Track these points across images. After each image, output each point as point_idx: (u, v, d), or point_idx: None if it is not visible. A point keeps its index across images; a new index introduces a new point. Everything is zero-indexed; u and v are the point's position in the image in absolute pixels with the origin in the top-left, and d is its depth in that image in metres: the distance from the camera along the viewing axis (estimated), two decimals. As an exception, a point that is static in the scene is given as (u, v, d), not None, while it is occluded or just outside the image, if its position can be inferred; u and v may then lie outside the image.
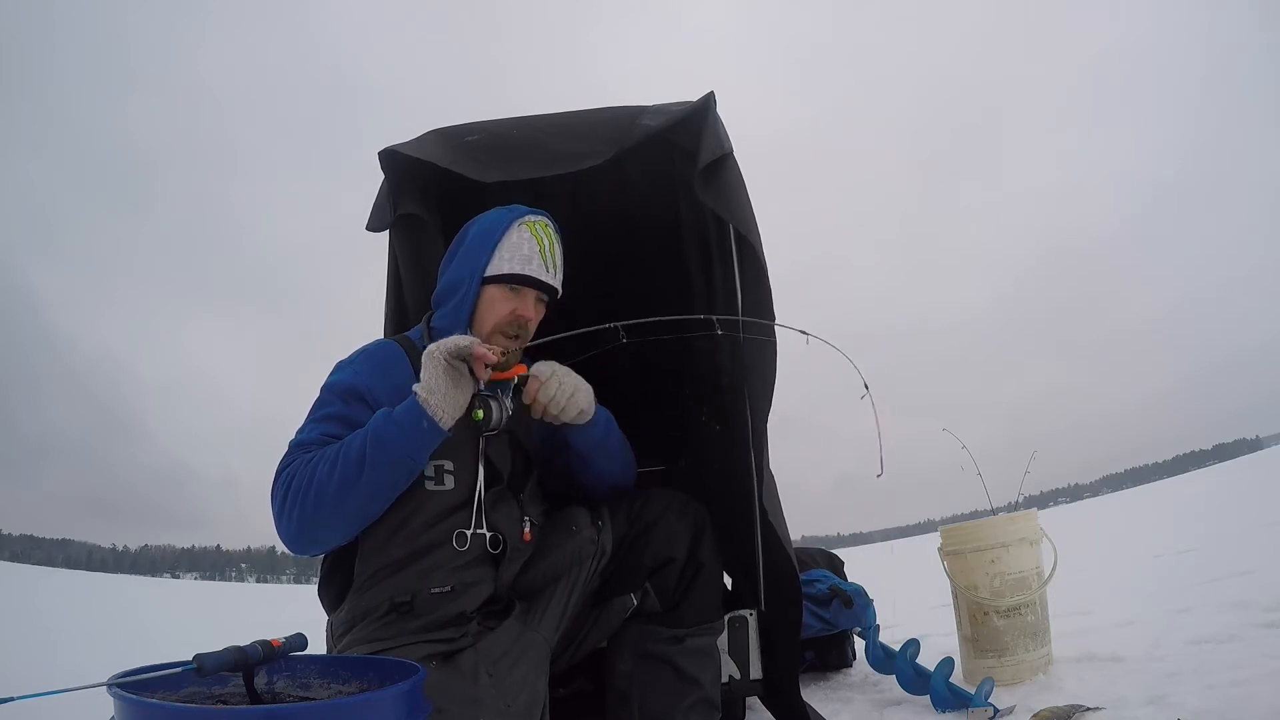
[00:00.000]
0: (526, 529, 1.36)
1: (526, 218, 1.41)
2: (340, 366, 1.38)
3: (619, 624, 1.40)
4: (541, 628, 1.34)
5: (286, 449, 1.26)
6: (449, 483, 1.31)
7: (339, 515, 1.19)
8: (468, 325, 1.37)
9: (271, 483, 1.23)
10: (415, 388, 1.18)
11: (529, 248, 1.38)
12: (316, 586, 1.53)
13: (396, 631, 1.24)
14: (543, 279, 1.39)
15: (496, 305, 1.37)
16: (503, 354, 1.22)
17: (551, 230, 1.44)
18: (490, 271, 1.37)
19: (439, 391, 1.16)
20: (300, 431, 1.29)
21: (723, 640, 1.60)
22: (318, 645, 1.01)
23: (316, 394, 1.36)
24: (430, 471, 1.30)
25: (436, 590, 1.27)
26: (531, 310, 1.40)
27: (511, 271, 1.37)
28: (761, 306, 1.57)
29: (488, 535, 1.31)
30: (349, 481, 1.16)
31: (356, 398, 1.30)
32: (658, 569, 1.39)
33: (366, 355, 1.40)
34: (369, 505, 1.21)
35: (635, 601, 1.39)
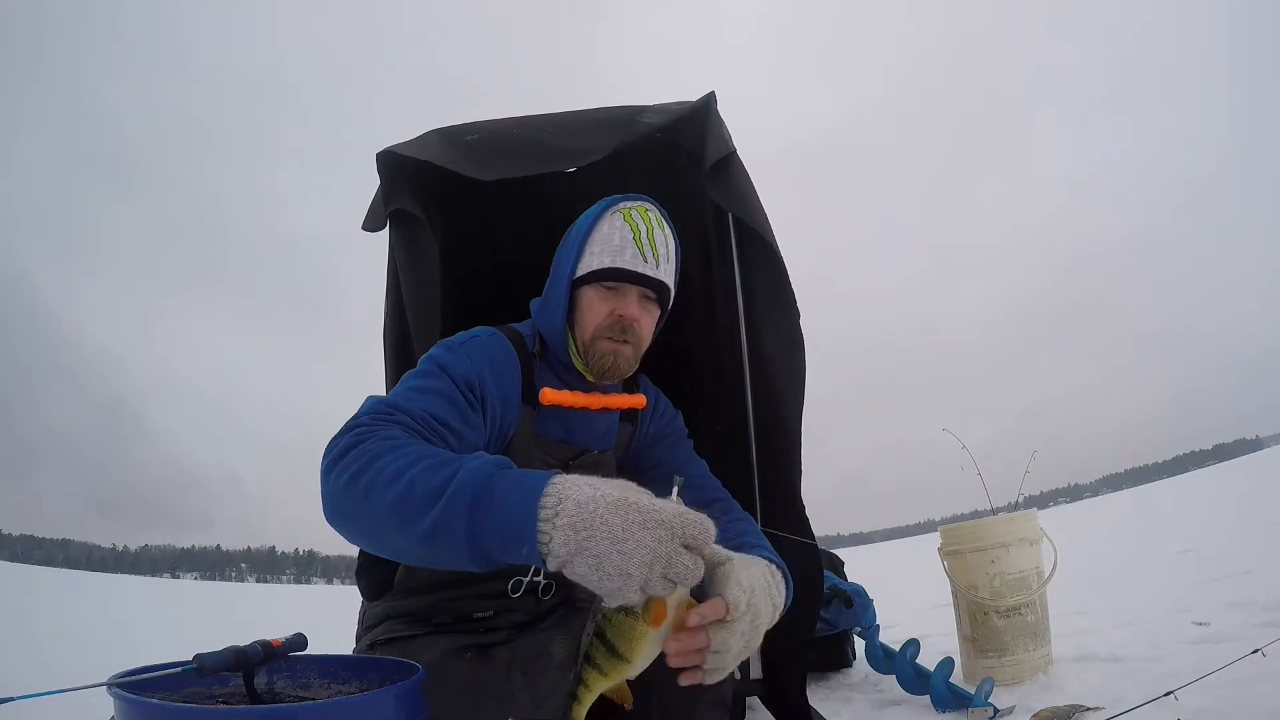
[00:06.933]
0: None
1: (620, 205, 1.22)
2: (451, 348, 1.14)
3: None
4: (580, 633, 1.32)
5: (365, 400, 0.98)
6: None
7: (368, 535, 0.84)
8: (564, 330, 1.21)
9: (335, 434, 0.90)
10: (550, 504, 0.69)
11: (620, 236, 1.18)
12: (355, 570, 1.36)
13: (433, 628, 1.22)
14: (638, 270, 1.17)
15: (594, 308, 1.19)
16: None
17: (652, 215, 1.22)
18: (580, 271, 1.19)
19: (591, 552, 0.67)
20: (394, 393, 1.02)
21: None
22: (317, 645, 1.01)
23: (359, 407, 0.97)
24: None
25: (479, 615, 1.22)
26: (635, 308, 1.19)
27: (601, 266, 1.17)
28: (785, 306, 1.58)
29: (542, 584, 1.25)
30: (404, 515, 0.76)
31: (468, 387, 1.08)
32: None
33: (480, 345, 1.17)
34: (404, 553, 0.81)
35: None
